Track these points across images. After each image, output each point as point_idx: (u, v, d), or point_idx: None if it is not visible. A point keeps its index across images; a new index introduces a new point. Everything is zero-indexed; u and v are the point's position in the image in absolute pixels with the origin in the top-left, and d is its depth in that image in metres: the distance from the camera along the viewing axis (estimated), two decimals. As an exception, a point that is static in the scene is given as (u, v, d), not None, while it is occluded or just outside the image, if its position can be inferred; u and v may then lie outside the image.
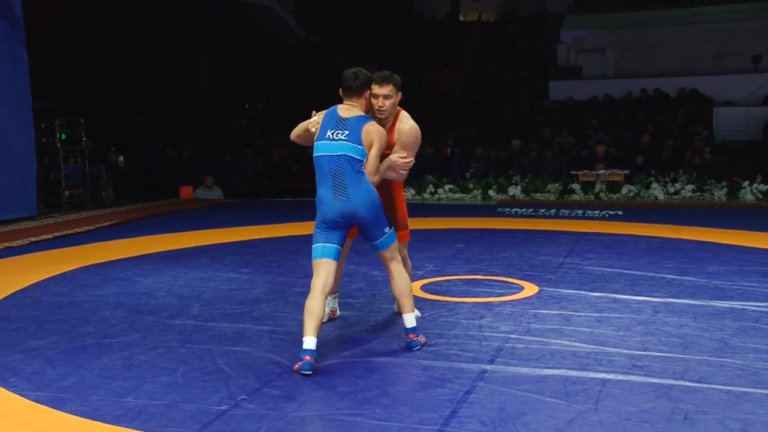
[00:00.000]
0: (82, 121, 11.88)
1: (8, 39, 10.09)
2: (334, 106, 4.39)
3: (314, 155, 4.32)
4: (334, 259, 4.24)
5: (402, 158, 4.50)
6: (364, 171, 4.25)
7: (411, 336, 4.33)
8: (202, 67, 19.31)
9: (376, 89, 4.44)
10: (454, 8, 25.31)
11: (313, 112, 4.50)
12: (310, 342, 3.98)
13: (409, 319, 4.36)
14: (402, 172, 4.56)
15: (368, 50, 21.19)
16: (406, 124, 4.58)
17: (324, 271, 4.20)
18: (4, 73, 10.02)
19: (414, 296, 4.65)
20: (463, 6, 26.36)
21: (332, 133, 4.25)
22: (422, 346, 4.34)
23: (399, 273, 4.40)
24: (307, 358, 3.93)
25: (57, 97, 13.13)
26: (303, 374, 3.91)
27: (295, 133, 4.60)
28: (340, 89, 4.40)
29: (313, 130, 4.38)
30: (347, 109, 4.35)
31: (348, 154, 4.20)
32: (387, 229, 4.32)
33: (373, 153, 4.28)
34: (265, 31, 21.09)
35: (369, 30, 22.52)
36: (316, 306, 4.08)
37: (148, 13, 16.70)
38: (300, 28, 22.07)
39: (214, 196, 13.17)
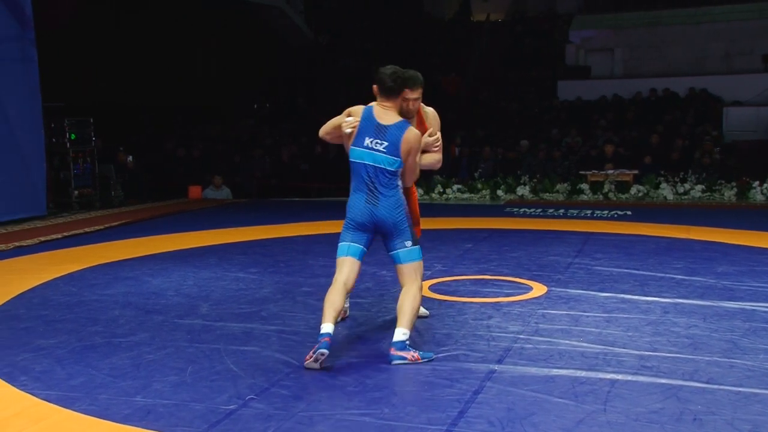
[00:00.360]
0: (92, 121, 11.92)
1: (18, 39, 10.14)
2: (369, 107, 4.34)
3: (351, 159, 4.31)
4: (358, 259, 4.30)
5: (433, 137, 4.65)
6: (398, 184, 4.28)
7: (391, 350, 4.11)
8: (211, 67, 19.35)
9: (408, 93, 4.46)
10: (465, 8, 25.25)
11: (346, 112, 4.41)
12: (327, 327, 4.04)
13: (398, 333, 4.13)
14: (438, 153, 4.67)
15: (377, 50, 21.18)
16: (427, 108, 4.73)
17: (347, 268, 4.26)
18: (14, 73, 10.06)
19: (423, 296, 4.62)
20: (472, 6, 26.33)
21: (371, 142, 4.24)
22: (407, 361, 4.07)
23: (409, 291, 4.25)
24: (326, 339, 3.98)
25: (66, 96, 13.17)
26: (320, 354, 3.93)
27: (324, 131, 4.52)
28: (375, 87, 4.34)
29: (349, 131, 4.31)
30: (384, 112, 4.30)
31: (384, 167, 4.22)
32: (408, 243, 4.28)
33: (412, 161, 4.32)
34: (274, 31, 21.11)
35: (378, 30, 22.51)
36: (337, 298, 4.15)
37: (157, 13, 16.75)
38: (309, 28, 22.08)
39: (222, 196, 13.20)
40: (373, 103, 4.37)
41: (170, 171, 14.48)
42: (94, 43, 15.37)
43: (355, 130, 4.29)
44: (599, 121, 16.05)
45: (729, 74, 17.65)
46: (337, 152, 14.39)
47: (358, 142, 4.27)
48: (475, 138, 15.73)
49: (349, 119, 4.35)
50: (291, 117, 18.66)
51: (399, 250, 4.29)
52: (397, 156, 4.22)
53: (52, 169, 11.43)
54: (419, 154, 4.47)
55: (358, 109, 4.37)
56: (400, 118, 4.32)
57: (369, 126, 4.27)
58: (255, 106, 20.64)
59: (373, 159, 4.22)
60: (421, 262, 4.38)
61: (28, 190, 10.24)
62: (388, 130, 4.24)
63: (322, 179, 13.93)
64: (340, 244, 4.33)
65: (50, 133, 11.30)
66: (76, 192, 11.64)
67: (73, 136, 11.59)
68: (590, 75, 19.27)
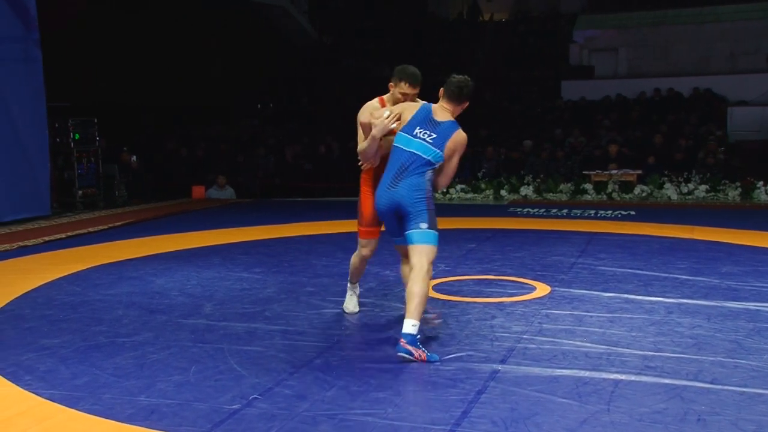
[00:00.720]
0: (96, 121, 11.94)
1: (23, 39, 10.16)
2: (429, 104, 4.48)
3: (394, 144, 4.43)
4: (403, 243, 4.43)
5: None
6: (429, 177, 4.34)
7: (401, 341, 4.08)
8: (214, 67, 19.35)
9: (407, 89, 4.60)
10: (474, 9, 25.21)
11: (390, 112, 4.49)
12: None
13: (407, 324, 4.10)
14: None
15: (377, 50, 21.17)
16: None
17: (406, 255, 4.46)
18: (18, 73, 10.08)
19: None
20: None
21: (420, 132, 4.36)
22: (413, 357, 4.04)
23: (417, 278, 4.18)
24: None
25: (69, 96, 13.19)
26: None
27: (365, 116, 4.60)
28: (443, 88, 4.46)
29: (393, 125, 4.42)
30: (442, 112, 4.44)
31: (424, 155, 4.32)
32: (424, 225, 4.27)
33: (454, 161, 4.42)
34: (278, 31, 21.12)
35: (381, 30, 22.51)
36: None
37: (160, 13, 16.76)
38: (312, 27, 22.09)
39: (226, 196, 13.22)
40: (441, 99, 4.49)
41: (173, 171, 14.50)
42: (95, 43, 15.37)
43: (402, 119, 4.41)
44: (603, 121, 16.03)
45: (733, 74, 17.61)
46: (340, 152, 14.41)
47: (408, 129, 4.40)
48: (478, 138, 15.69)
49: (387, 112, 4.45)
50: (294, 117, 18.67)
51: (413, 231, 4.29)
52: (441, 149, 4.34)
53: (57, 168, 11.46)
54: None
55: (410, 106, 4.49)
56: (453, 120, 4.45)
57: (424, 119, 4.41)
58: (258, 106, 20.66)
59: (417, 147, 4.33)
60: (435, 248, 4.33)
61: (32, 190, 10.26)
62: (440, 126, 4.38)
63: (326, 179, 13.94)
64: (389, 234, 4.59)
65: (54, 132, 11.33)
66: (80, 192, 11.67)
67: (77, 136, 11.62)
68: (594, 75, 19.25)
